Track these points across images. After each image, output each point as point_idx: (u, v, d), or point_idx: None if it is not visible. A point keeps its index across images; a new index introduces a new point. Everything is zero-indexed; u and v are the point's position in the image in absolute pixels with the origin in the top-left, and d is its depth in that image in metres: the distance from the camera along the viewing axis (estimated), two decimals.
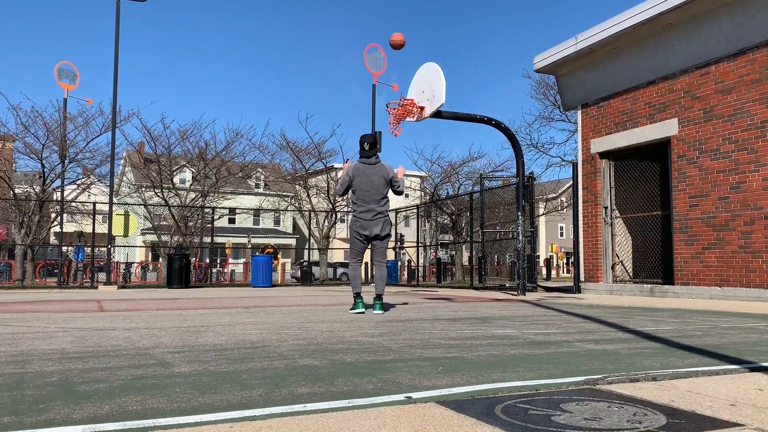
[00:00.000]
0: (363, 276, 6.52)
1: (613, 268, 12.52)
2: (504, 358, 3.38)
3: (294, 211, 31.01)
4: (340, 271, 28.82)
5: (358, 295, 6.80)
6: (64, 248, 22.80)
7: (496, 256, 18.33)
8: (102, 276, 20.96)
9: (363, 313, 6.67)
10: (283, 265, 28.22)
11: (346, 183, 6.77)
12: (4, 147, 20.86)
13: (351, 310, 6.89)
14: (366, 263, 18.29)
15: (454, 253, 27.24)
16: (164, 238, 24.07)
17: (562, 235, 62.06)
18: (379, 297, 6.79)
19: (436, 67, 10.32)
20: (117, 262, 28.18)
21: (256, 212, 43.38)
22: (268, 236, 47.02)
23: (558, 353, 3.59)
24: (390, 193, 6.84)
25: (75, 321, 5.96)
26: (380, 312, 6.67)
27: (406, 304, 8.93)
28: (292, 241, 50.11)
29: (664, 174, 11.73)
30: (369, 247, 6.90)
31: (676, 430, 1.89)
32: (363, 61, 19.72)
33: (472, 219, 19.69)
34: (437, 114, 10.41)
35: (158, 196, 23.12)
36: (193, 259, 21.34)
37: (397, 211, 22.03)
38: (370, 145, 6.68)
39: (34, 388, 2.55)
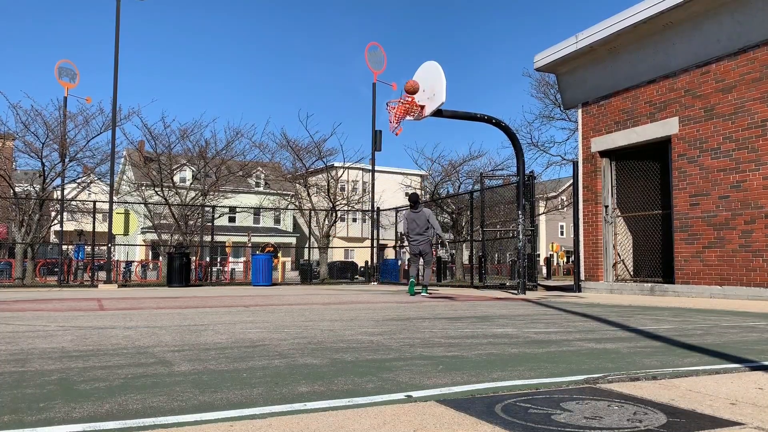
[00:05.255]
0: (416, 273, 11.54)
1: (614, 266, 12.52)
2: (504, 357, 3.38)
3: (294, 209, 30.98)
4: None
5: (412, 284, 11.10)
6: (64, 247, 22.80)
7: (496, 255, 18.32)
8: (102, 275, 20.96)
9: (413, 295, 10.77)
10: (284, 263, 28.20)
11: (405, 225, 11.37)
12: (4, 145, 20.84)
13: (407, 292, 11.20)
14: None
15: (454, 251, 27.20)
16: (164, 236, 24.05)
17: (562, 233, 62.01)
18: (424, 287, 11.18)
19: (436, 66, 10.30)
20: (120, 259, 28.20)
21: (257, 211, 43.32)
22: (268, 235, 46.98)
23: (558, 352, 3.59)
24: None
25: (75, 320, 5.96)
26: (426, 295, 10.79)
27: (406, 303, 8.93)
28: (293, 240, 50.10)
29: (664, 173, 11.72)
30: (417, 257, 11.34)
31: (676, 429, 1.89)
32: (364, 61, 19.73)
33: (472, 218, 19.70)
34: (438, 113, 10.40)
35: (158, 194, 23.10)
36: (194, 257, 21.33)
37: (397, 210, 22.02)
38: (414, 202, 11.32)
39: (35, 386, 2.55)
